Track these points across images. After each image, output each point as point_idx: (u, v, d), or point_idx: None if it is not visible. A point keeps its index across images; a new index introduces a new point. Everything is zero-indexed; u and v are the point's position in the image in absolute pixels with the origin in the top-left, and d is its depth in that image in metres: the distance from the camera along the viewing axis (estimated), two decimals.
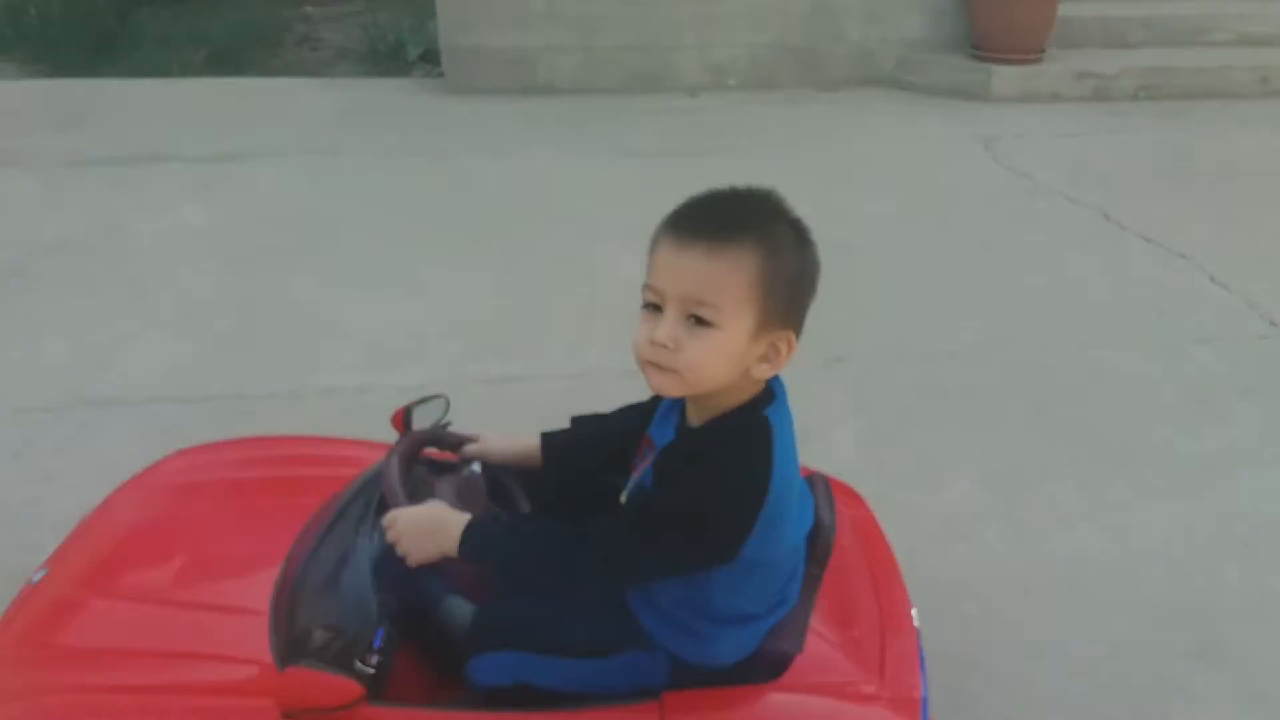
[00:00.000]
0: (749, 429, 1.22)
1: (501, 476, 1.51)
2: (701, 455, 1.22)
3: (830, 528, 1.38)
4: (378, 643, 1.27)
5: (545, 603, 1.38)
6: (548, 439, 1.51)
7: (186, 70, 5.57)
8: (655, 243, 1.21)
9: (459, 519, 1.29)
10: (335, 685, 1.23)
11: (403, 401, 1.51)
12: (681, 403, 1.31)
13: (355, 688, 1.23)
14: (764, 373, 1.22)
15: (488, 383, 2.88)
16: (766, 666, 1.32)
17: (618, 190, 4.17)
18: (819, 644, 1.37)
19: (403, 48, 5.85)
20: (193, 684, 1.31)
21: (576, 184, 4.24)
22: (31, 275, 3.38)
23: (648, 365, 1.20)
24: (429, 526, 1.29)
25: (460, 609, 1.45)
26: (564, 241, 3.72)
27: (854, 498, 1.76)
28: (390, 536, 1.31)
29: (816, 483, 1.44)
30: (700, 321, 1.16)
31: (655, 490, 1.26)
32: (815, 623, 1.37)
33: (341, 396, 2.79)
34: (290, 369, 2.91)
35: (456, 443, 1.52)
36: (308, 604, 1.34)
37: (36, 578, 1.50)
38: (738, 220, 1.19)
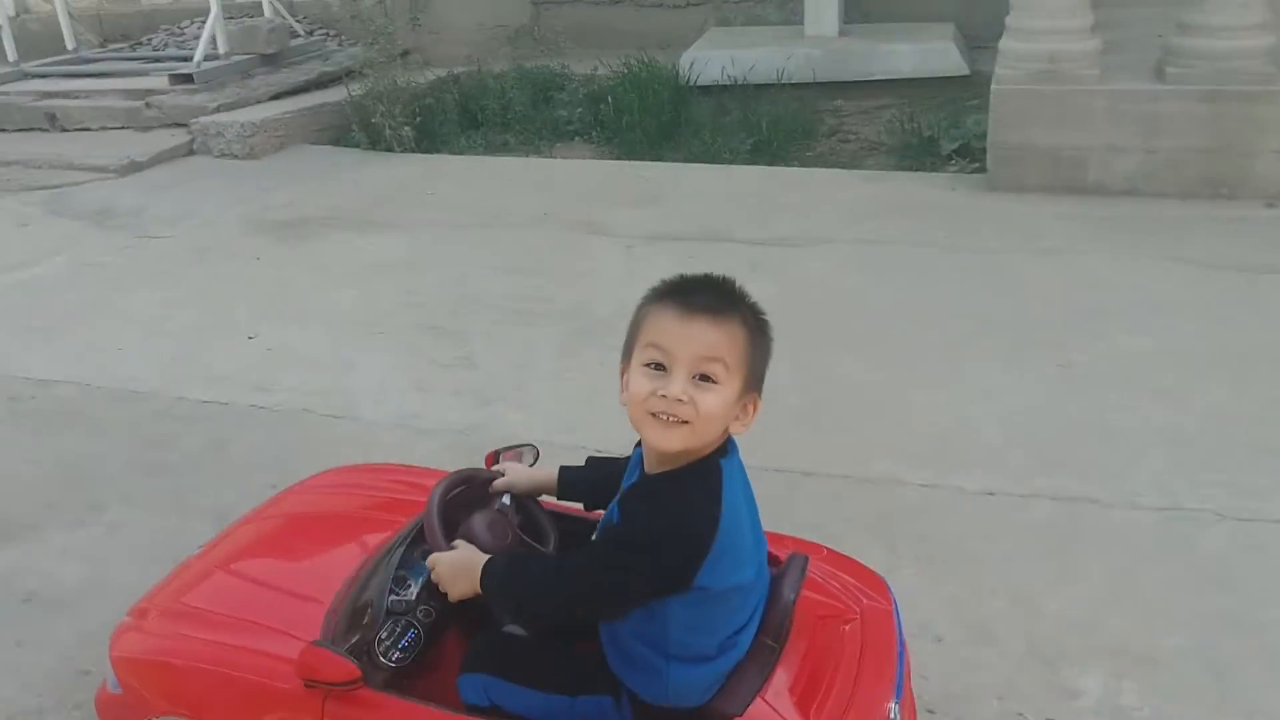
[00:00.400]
0: (701, 470, 1.41)
1: (535, 511, 1.80)
2: (659, 491, 1.42)
3: (788, 603, 1.49)
4: (403, 643, 1.57)
5: (529, 638, 1.63)
6: (563, 472, 1.75)
7: (735, 157, 6.09)
8: (651, 311, 1.43)
9: (481, 560, 1.53)
10: (337, 665, 1.49)
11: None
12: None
13: (353, 670, 1.48)
14: (737, 428, 1.43)
15: (1056, 501, 2.75)
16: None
17: (1178, 300, 3.84)
18: (765, 715, 1.42)
19: (935, 142, 5.91)
20: (253, 647, 1.66)
21: (1132, 291, 3.96)
22: (620, 332, 3.84)
23: (652, 419, 1.38)
24: (461, 569, 1.54)
25: (514, 630, 1.68)
26: (1127, 355, 3.47)
27: (880, 588, 1.76)
28: (434, 578, 1.57)
29: (794, 561, 1.55)
30: (706, 379, 1.37)
31: (618, 523, 1.45)
32: (771, 697, 1.44)
33: (906, 491, 2.82)
34: (852, 453, 3.00)
35: (488, 479, 1.76)
36: (352, 603, 1.61)
37: (196, 552, 1.98)
38: (730, 299, 1.42)
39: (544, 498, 1.81)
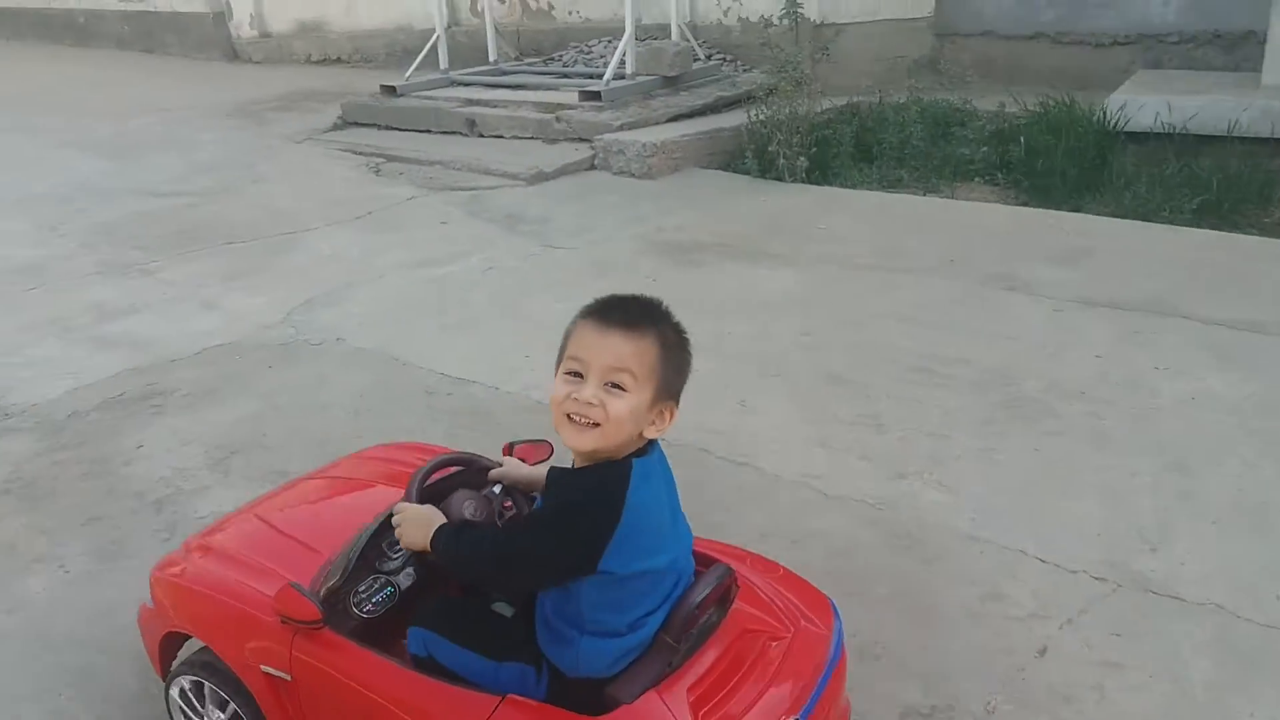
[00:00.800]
0: (614, 465, 1.58)
1: (522, 505, 1.94)
2: (570, 483, 1.62)
3: (692, 607, 1.59)
4: (377, 598, 1.78)
5: (471, 603, 1.83)
6: (551, 472, 1.72)
7: (1175, 216, 5.31)
8: (575, 327, 1.64)
9: (439, 521, 1.71)
10: (303, 606, 1.68)
11: None
12: None
13: (314, 612, 1.68)
14: (652, 433, 1.61)
15: None
16: (597, 702, 1.53)
17: None
18: (657, 710, 1.51)
19: None
20: (251, 584, 1.88)
21: None
22: (1058, 415, 3.35)
23: (568, 421, 1.57)
24: (418, 522, 1.71)
25: (502, 609, 1.83)
26: None
27: (824, 612, 1.78)
28: (395, 521, 1.75)
29: (713, 572, 1.66)
30: (616, 387, 1.55)
31: (539, 508, 1.73)
32: (664, 691, 1.53)
33: None
34: None
35: (486, 467, 1.96)
36: (342, 557, 1.79)
37: (242, 504, 2.29)
38: (645, 316, 1.63)
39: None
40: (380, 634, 1.78)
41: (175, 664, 2.05)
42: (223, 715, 1.96)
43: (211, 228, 5.77)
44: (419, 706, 1.63)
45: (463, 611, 1.79)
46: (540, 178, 6.49)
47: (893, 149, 6.75)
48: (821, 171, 6.49)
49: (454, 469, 1.96)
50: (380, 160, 7.19)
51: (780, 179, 6.38)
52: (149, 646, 2.12)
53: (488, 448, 3.44)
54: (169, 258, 5.29)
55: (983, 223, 5.55)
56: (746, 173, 6.56)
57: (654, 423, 1.59)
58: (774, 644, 1.68)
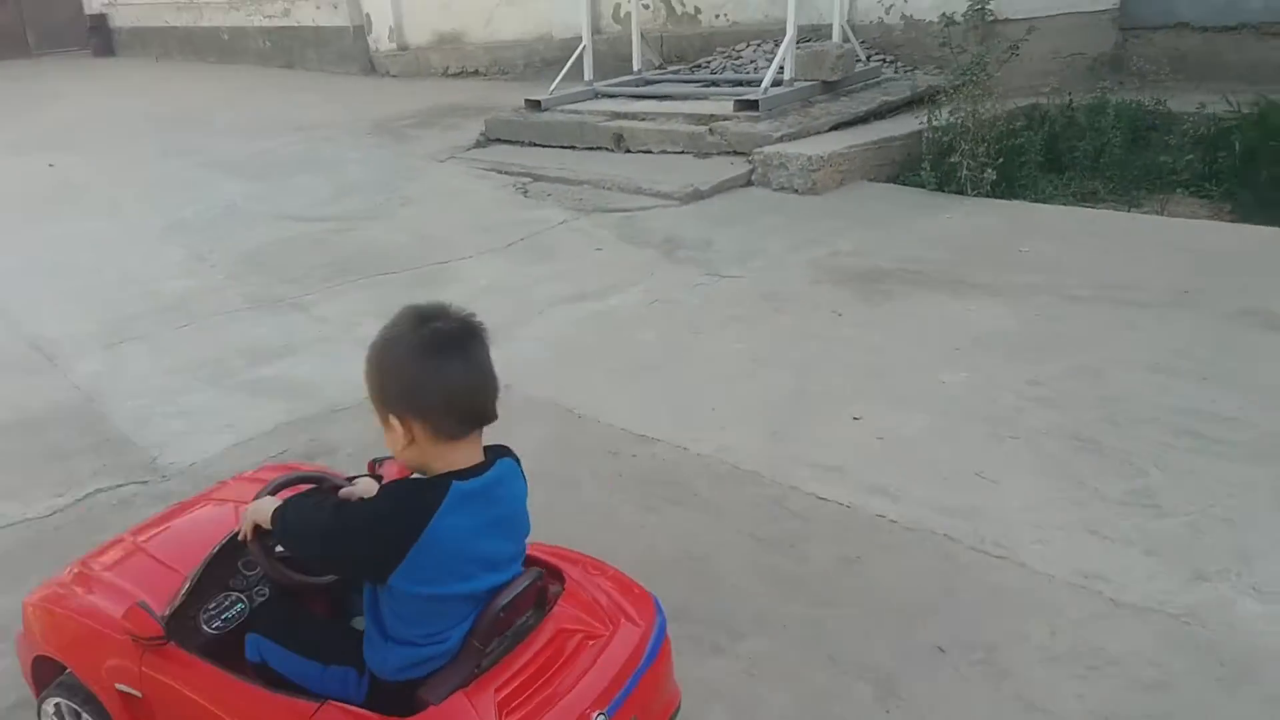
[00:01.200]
0: (427, 485, 1.59)
1: None
2: (393, 491, 1.65)
3: (496, 612, 1.62)
4: (227, 615, 1.88)
5: (301, 609, 1.93)
6: None
7: None
8: None
9: (275, 504, 1.78)
10: (146, 624, 1.78)
11: None
12: None
13: (156, 629, 1.78)
14: (398, 449, 1.62)
15: None
16: (410, 704, 1.58)
17: None
18: (463, 710, 1.56)
19: None
20: (108, 606, 1.93)
21: None
22: None
23: None
24: (257, 510, 1.81)
25: (359, 623, 1.84)
26: None
27: (647, 609, 1.82)
28: (242, 513, 1.87)
29: (524, 576, 1.68)
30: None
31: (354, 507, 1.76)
32: (472, 692, 1.58)
33: None
34: None
35: (336, 485, 1.98)
36: (195, 577, 1.87)
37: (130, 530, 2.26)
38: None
39: None
40: (237, 649, 1.85)
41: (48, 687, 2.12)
42: None
43: (361, 257, 5.54)
44: (248, 713, 1.71)
45: (294, 618, 1.88)
46: (695, 196, 6.06)
47: (1086, 157, 6.08)
48: (1008, 183, 5.87)
49: (304, 486, 2.00)
50: (527, 180, 6.89)
51: (961, 192, 5.80)
52: (24, 670, 2.19)
53: (692, 530, 3.07)
54: (320, 290, 5.06)
55: (1208, 244, 4.86)
56: (921, 185, 6.00)
57: (398, 440, 1.61)
58: (591, 642, 1.74)
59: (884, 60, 8.03)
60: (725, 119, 6.80)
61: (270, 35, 13.49)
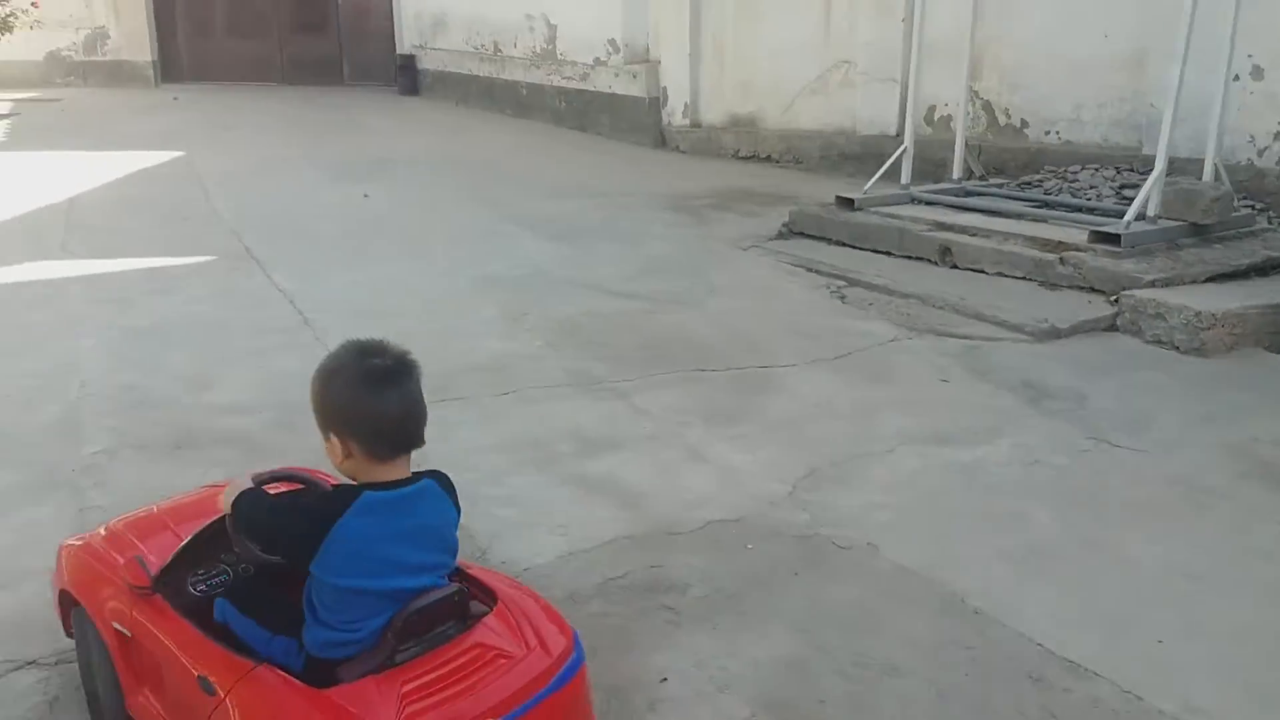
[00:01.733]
0: (346, 489, 1.91)
1: None
2: (324, 490, 2.15)
3: (409, 613, 1.85)
4: (212, 581, 2.20)
5: (272, 588, 2.15)
6: None
7: None
8: None
9: (239, 490, 2.04)
10: (138, 573, 2.12)
11: None
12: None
13: (145, 579, 2.11)
14: (336, 461, 1.95)
15: None
16: (329, 680, 1.85)
17: None
18: (369, 691, 1.78)
19: None
20: (116, 555, 2.28)
21: None
22: None
23: None
24: (230, 493, 2.04)
25: None
26: None
27: (562, 643, 1.97)
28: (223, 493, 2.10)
29: (443, 589, 1.93)
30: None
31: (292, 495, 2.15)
32: (381, 679, 1.81)
33: None
34: None
35: (314, 483, 2.26)
36: (186, 544, 2.18)
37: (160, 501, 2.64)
38: None
39: None
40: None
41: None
42: None
43: (676, 345, 5.17)
44: (199, 658, 1.97)
45: (260, 593, 2.13)
46: (1051, 335, 5.35)
47: None
48: None
49: (297, 485, 2.25)
50: (842, 284, 6.39)
51: None
52: (54, 601, 2.50)
53: None
54: (638, 377, 4.71)
55: None
56: None
57: (344, 454, 1.93)
58: (503, 661, 1.89)
59: (1252, 207, 7.08)
60: (1078, 249, 6.07)
61: (567, 96, 13.79)
